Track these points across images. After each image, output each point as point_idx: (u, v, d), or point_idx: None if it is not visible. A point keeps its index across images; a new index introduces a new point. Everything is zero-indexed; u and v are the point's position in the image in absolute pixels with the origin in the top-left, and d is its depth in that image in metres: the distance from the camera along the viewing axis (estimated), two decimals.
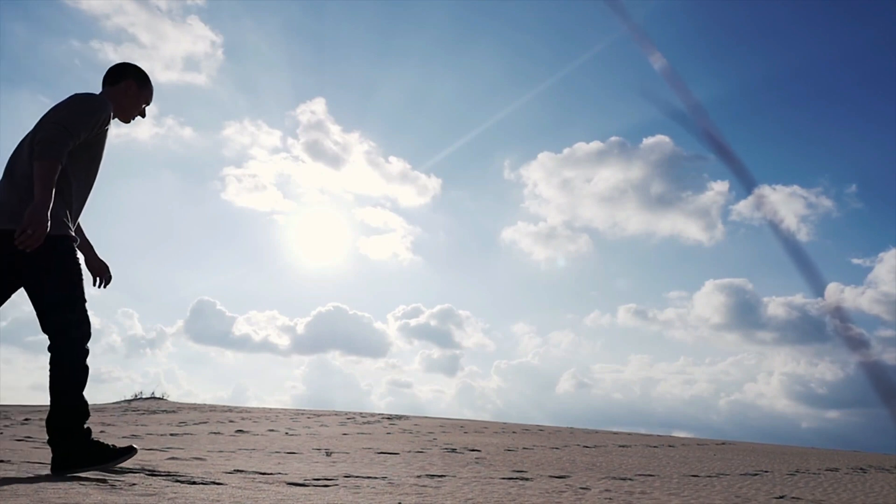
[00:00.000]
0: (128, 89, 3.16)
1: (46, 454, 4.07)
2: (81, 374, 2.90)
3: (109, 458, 2.97)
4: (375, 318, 33.25)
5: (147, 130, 29.59)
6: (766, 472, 6.11)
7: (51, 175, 2.66)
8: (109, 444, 2.99)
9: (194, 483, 3.18)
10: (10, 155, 2.97)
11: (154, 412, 11.75)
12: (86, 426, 2.94)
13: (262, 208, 32.22)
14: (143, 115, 3.21)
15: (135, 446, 3.09)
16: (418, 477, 4.12)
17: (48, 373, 2.86)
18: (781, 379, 27.11)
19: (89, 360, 2.94)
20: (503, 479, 4.30)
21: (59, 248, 2.84)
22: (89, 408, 2.97)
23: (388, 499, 3.12)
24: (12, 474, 2.97)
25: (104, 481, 2.93)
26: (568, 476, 4.73)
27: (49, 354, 2.87)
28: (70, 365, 2.87)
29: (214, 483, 3.24)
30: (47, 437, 2.90)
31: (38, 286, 2.84)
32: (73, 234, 2.95)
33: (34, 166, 2.68)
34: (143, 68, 3.23)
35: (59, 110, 2.85)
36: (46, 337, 2.88)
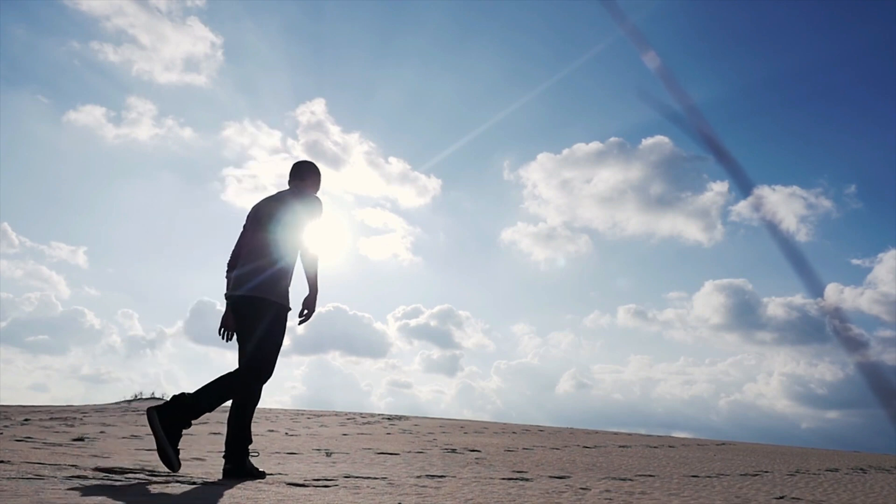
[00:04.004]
0: (312, 185, 4.05)
1: (46, 455, 4.08)
2: (229, 395, 3.53)
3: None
4: (375, 318, 33.25)
5: (147, 131, 29.64)
6: (767, 472, 6.11)
7: (317, 269, 3.75)
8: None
9: (194, 483, 3.18)
10: (248, 234, 3.86)
11: None
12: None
13: None
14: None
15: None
16: (418, 477, 4.12)
17: (223, 376, 3.52)
18: (781, 379, 27.12)
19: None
20: (503, 479, 4.30)
21: (281, 314, 3.70)
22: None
23: (388, 499, 3.12)
24: (12, 475, 2.98)
25: (104, 481, 2.93)
26: (568, 476, 4.73)
27: (230, 372, 3.56)
28: (236, 390, 3.56)
29: (214, 483, 3.25)
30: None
31: (252, 337, 3.60)
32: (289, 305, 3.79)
33: (308, 257, 3.71)
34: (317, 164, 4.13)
35: (304, 209, 3.74)
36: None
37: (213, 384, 3.46)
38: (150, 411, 3.31)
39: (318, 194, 4.04)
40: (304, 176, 4.03)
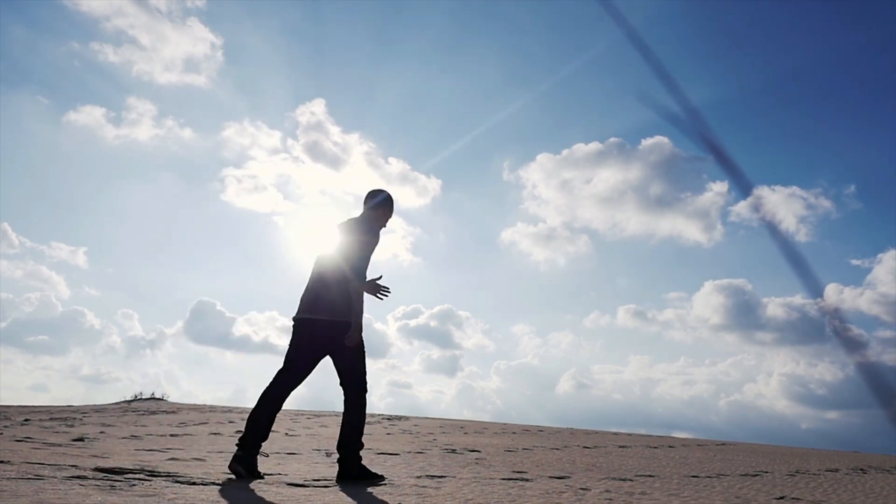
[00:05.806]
0: (384, 214, 4.28)
1: (46, 455, 4.08)
2: (364, 414, 4.03)
3: (369, 477, 3.87)
4: (375, 318, 33.29)
5: (147, 132, 29.61)
6: (767, 472, 6.11)
7: (362, 295, 3.98)
8: (370, 470, 3.99)
9: (194, 483, 3.18)
10: (320, 261, 4.12)
11: (154, 413, 11.75)
12: (360, 452, 3.99)
13: (262, 209, 32.19)
14: (385, 226, 4.32)
15: (384, 476, 4.01)
16: (418, 478, 4.12)
17: (344, 411, 4.04)
18: (781, 380, 27.08)
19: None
20: (503, 479, 4.30)
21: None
22: (357, 433, 4.00)
23: (388, 499, 3.13)
24: (12, 475, 2.98)
25: (104, 482, 2.93)
26: (568, 477, 4.73)
27: (345, 400, 4.03)
28: (360, 409, 4.01)
29: (214, 483, 3.25)
30: (338, 456, 3.99)
31: (345, 358, 3.98)
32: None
33: (351, 288, 3.93)
34: (391, 194, 4.37)
35: (358, 237, 4.02)
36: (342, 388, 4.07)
37: (347, 424, 3.98)
38: (341, 480, 3.80)
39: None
40: (374, 205, 4.27)
